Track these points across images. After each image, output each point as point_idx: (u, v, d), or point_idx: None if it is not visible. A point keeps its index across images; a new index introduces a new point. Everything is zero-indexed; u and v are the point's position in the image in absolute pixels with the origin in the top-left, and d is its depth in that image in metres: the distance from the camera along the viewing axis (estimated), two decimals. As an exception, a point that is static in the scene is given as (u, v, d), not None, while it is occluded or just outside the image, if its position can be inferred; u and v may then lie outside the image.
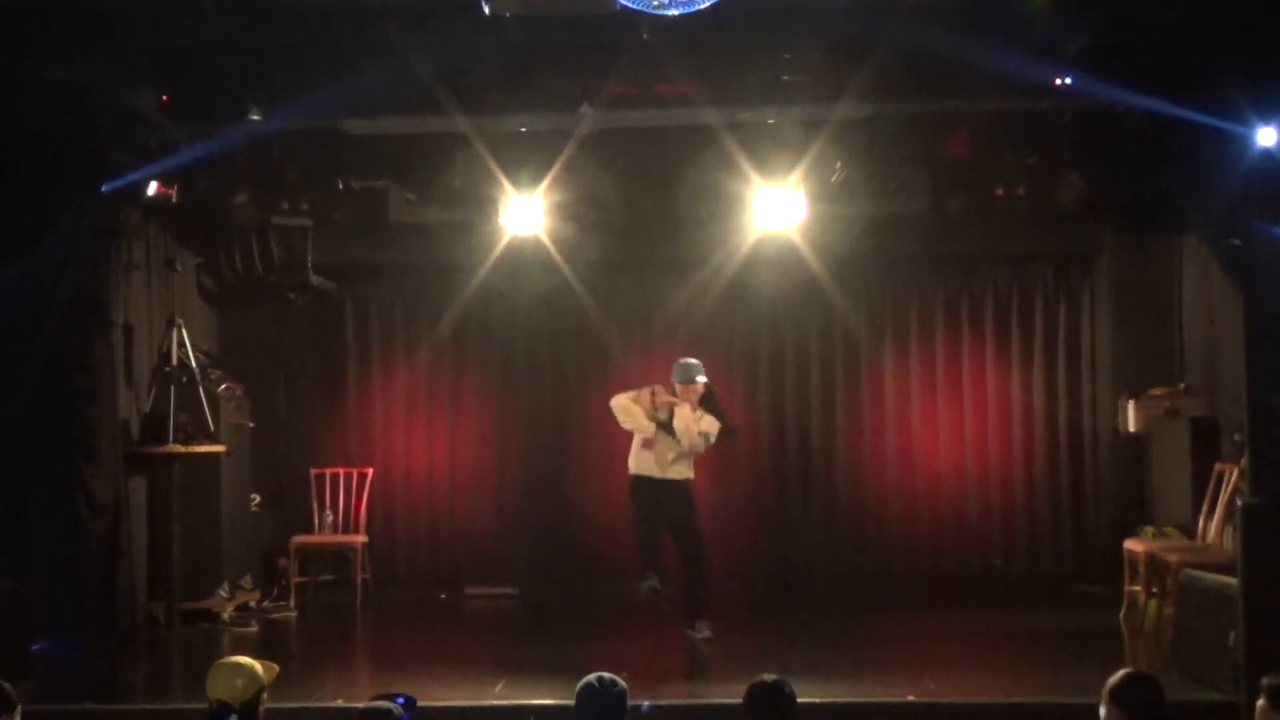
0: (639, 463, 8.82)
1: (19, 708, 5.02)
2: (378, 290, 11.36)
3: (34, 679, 7.24)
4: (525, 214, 9.69)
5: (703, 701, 7.16)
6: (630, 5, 6.20)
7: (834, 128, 8.79)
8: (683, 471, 8.79)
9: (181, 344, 9.84)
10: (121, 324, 9.54)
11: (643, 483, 8.78)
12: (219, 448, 9.91)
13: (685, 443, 8.69)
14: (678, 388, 8.76)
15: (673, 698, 7.25)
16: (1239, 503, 7.20)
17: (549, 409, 11.23)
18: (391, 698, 4.74)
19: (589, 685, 4.56)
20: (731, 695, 6.52)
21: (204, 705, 4.75)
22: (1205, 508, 8.89)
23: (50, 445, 8.70)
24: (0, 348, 7.98)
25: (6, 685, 5.00)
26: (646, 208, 10.10)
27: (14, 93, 7.67)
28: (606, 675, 4.59)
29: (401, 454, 11.29)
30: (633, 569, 8.86)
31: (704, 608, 8.73)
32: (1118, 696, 4.27)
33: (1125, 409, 10.47)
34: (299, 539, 10.57)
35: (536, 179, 9.41)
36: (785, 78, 8.22)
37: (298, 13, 7.12)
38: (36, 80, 7.65)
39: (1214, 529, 8.73)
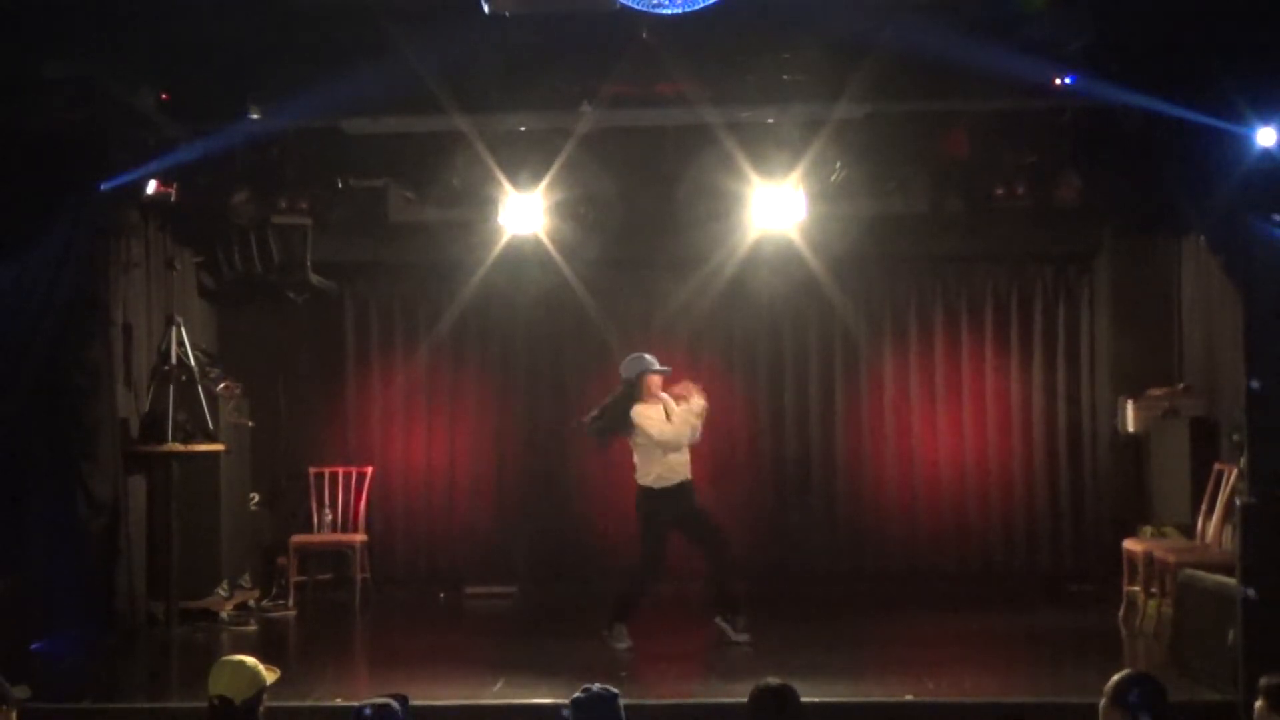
0: (673, 469, 8.57)
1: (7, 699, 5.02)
2: (377, 289, 11.36)
3: (33, 678, 7.22)
4: (525, 213, 9.69)
5: (702, 701, 7.14)
6: (630, 4, 6.21)
7: (833, 127, 8.79)
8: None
9: (180, 343, 9.84)
10: (120, 323, 9.53)
11: (678, 490, 8.57)
12: (218, 447, 9.91)
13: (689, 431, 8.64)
14: (653, 378, 8.66)
15: (672, 697, 7.26)
16: (1238, 502, 7.21)
17: (548, 407, 11.22)
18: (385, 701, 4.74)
19: (578, 699, 4.55)
20: (730, 695, 6.55)
21: (203, 704, 4.75)
22: (1204, 507, 8.88)
23: (49, 444, 8.69)
24: (-1, 346, 8.00)
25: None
26: (646, 207, 10.10)
27: (13, 91, 7.68)
28: (595, 685, 4.59)
29: (401, 453, 11.29)
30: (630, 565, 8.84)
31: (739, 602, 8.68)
32: (1119, 696, 4.27)
33: (1124, 409, 10.47)
34: (298, 538, 10.56)
35: (536, 178, 9.41)
36: (785, 77, 8.22)
37: (297, 12, 7.13)
38: (36, 78, 7.66)
39: (1213, 529, 8.72)
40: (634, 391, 8.59)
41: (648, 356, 8.72)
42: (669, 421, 8.53)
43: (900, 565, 11.01)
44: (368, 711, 4.59)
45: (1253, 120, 7.34)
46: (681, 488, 8.56)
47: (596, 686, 4.58)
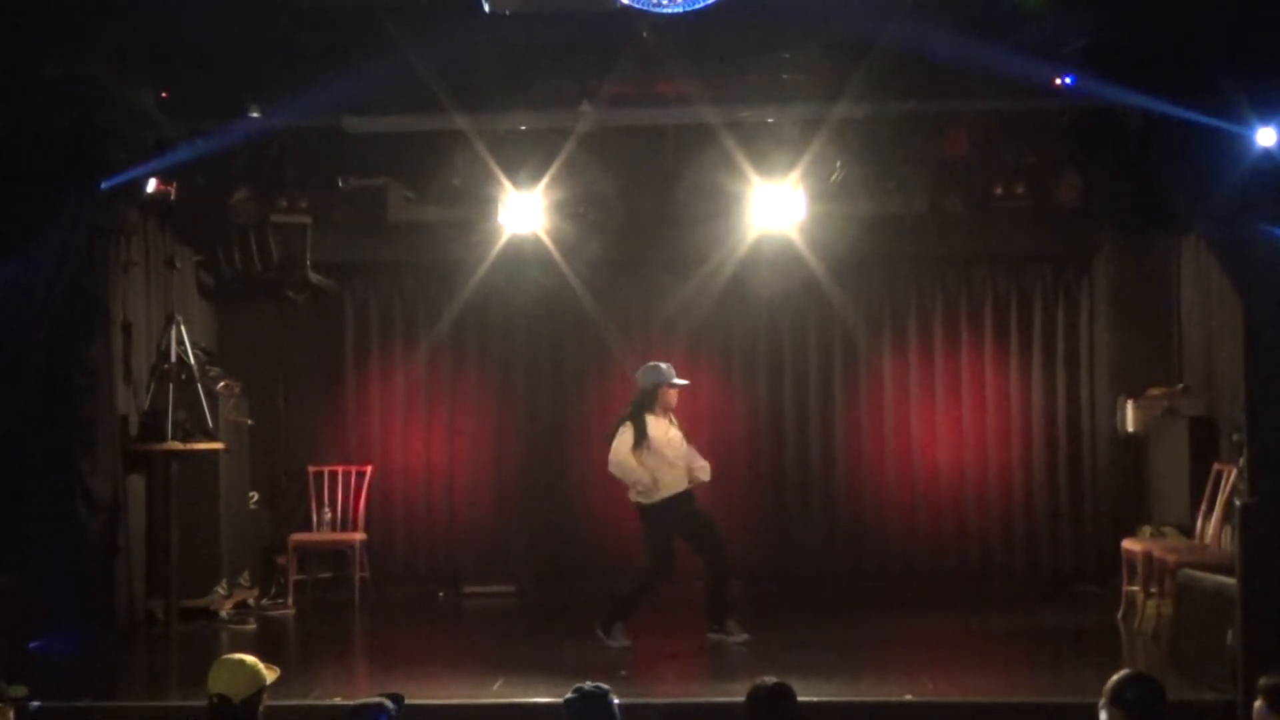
0: (673, 480, 8.57)
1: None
2: (377, 288, 11.36)
3: (32, 676, 7.22)
4: (524, 212, 9.69)
5: (700, 700, 7.15)
6: (630, 3, 6.21)
7: (833, 127, 8.78)
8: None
9: (180, 341, 9.84)
10: (120, 321, 9.53)
11: (680, 499, 8.59)
12: (217, 445, 9.90)
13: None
14: (670, 391, 8.67)
15: (671, 696, 7.26)
16: (1237, 503, 7.21)
17: (548, 407, 11.23)
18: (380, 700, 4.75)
19: (571, 699, 4.55)
20: (729, 694, 6.55)
21: (202, 703, 4.76)
22: (1203, 507, 8.89)
23: (49, 442, 8.70)
24: (-2, 345, 7.99)
25: None
26: (646, 206, 10.10)
27: (13, 90, 7.67)
28: (586, 684, 4.59)
29: (400, 452, 11.28)
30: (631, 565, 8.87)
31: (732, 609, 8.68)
32: (1118, 696, 4.27)
33: (1124, 409, 10.47)
34: (297, 537, 10.57)
35: (536, 177, 9.41)
36: (785, 76, 8.22)
37: (297, 10, 7.13)
38: (35, 78, 7.65)
39: (1212, 529, 8.73)
40: (647, 401, 8.59)
41: (664, 366, 8.71)
42: (636, 451, 8.47)
43: (899, 565, 11.02)
44: (363, 713, 4.60)
45: (1253, 120, 7.33)
46: (681, 496, 8.58)
47: (588, 685, 4.59)
